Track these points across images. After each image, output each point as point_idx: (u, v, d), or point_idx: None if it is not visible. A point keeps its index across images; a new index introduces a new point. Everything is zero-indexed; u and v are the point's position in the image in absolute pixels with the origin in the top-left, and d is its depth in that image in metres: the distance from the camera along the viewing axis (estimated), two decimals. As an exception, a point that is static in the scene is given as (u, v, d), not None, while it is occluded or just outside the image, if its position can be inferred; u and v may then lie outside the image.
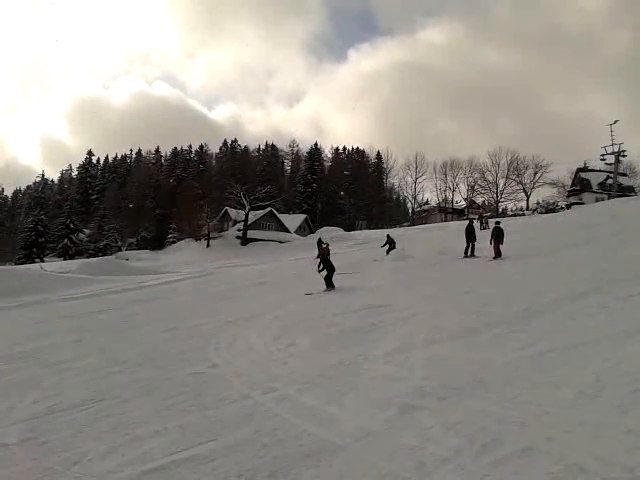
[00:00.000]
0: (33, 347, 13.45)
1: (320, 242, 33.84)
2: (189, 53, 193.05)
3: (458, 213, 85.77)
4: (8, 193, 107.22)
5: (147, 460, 4.79)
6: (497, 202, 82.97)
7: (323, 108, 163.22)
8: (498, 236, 18.57)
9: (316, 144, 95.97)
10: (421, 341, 8.39)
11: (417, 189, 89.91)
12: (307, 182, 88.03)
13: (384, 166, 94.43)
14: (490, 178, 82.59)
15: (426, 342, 8.30)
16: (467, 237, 20.09)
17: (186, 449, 4.92)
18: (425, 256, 23.81)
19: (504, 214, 74.74)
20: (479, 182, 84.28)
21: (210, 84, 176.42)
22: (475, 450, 4.32)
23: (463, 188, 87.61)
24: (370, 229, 70.24)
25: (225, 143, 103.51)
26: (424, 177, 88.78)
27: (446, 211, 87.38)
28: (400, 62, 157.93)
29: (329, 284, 17.01)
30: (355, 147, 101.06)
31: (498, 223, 19.82)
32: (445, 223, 62.26)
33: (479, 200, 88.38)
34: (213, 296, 20.63)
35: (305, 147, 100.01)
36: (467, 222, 20.16)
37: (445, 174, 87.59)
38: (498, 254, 18.18)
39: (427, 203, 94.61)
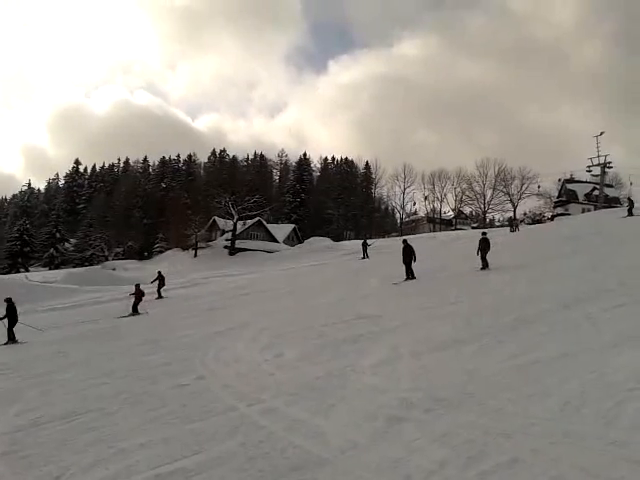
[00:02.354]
0: (17, 358, 13.34)
1: (365, 243, 35.12)
2: (170, 63, 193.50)
3: (446, 223, 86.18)
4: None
5: (131, 473, 4.74)
6: (484, 212, 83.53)
7: (304, 119, 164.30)
8: (485, 247, 18.65)
9: (305, 154, 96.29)
10: (409, 352, 8.40)
11: (405, 199, 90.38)
12: (296, 192, 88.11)
13: (373, 176, 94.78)
14: (478, 189, 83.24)
15: (414, 353, 8.31)
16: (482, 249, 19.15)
17: (171, 462, 4.88)
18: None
19: (492, 225, 75.32)
20: (467, 193, 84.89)
21: (192, 94, 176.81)
22: (461, 462, 4.32)
23: (451, 198, 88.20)
24: (358, 239, 70.40)
25: (214, 153, 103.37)
26: (412, 187, 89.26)
27: (434, 221, 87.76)
28: (378, 74, 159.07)
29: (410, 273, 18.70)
30: (344, 157, 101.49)
31: (484, 234, 19.90)
32: (434, 233, 62.42)
33: (467, 210, 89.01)
34: (200, 306, 20.57)
35: (294, 157, 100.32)
36: (482, 235, 19.64)
37: (433, 184, 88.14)
38: (485, 265, 18.26)
39: (415, 213, 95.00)
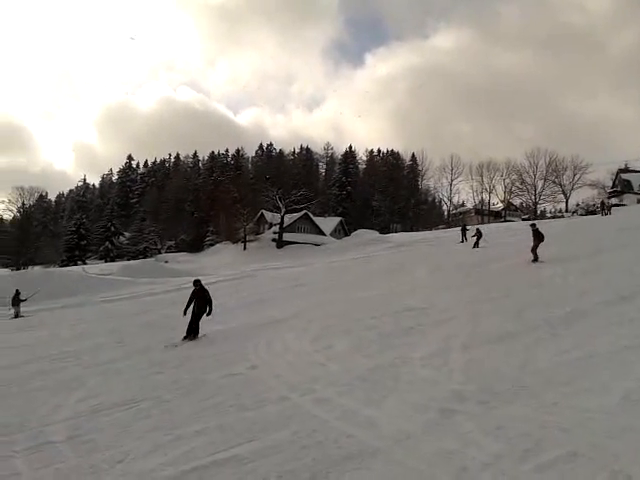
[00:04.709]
0: (77, 348, 13.80)
1: (465, 228, 34.94)
2: (211, 60, 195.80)
3: (495, 215, 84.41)
4: (52, 197, 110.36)
5: (188, 460, 4.86)
6: (535, 204, 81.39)
7: (342, 112, 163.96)
8: (536, 238, 18.19)
9: (350, 147, 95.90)
10: (459, 345, 8.29)
11: (453, 191, 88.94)
12: (342, 185, 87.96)
13: (419, 168, 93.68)
14: (528, 180, 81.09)
15: (465, 346, 8.19)
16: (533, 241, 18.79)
17: (226, 449, 4.97)
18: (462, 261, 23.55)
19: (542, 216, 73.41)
20: (517, 184, 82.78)
21: (232, 90, 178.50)
22: (517, 455, 4.25)
23: (500, 190, 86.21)
24: (405, 232, 69.73)
25: (260, 147, 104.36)
26: (460, 179, 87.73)
27: (483, 213, 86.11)
28: (414, 66, 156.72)
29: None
30: (389, 149, 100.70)
31: (534, 225, 19.38)
32: (482, 225, 61.38)
33: (517, 202, 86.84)
34: (250, 298, 20.80)
35: (339, 150, 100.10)
36: (532, 227, 19.10)
37: (481, 175, 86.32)
38: (536, 257, 17.81)
39: (463, 205, 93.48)
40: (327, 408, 5.93)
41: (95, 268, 46.24)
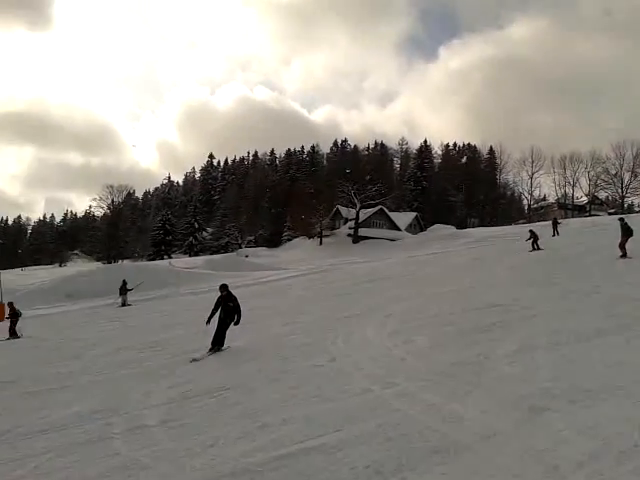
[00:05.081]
0: (164, 337, 14.39)
1: (556, 221, 34.24)
2: (285, 59, 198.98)
3: (579, 209, 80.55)
4: (139, 195, 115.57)
5: (277, 447, 4.95)
6: (622, 197, 76.96)
7: (415, 106, 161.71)
8: (625, 233, 17.25)
9: (425, 141, 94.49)
10: (545, 342, 7.99)
11: (533, 185, 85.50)
12: (417, 180, 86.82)
13: (497, 162, 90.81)
14: (614, 172, 76.67)
15: (551, 343, 7.88)
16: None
17: (313, 438, 5.03)
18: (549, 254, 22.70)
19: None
20: (602, 176, 78.39)
21: (306, 87, 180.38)
22: (613, 456, 4.05)
23: (584, 183, 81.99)
24: (483, 227, 67.89)
25: (335, 143, 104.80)
26: (541, 172, 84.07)
27: (566, 207, 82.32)
28: (488, 57, 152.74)
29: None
30: (466, 143, 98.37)
31: (622, 220, 18.36)
32: (566, 220, 58.77)
33: (602, 196, 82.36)
34: (328, 292, 20.92)
35: (414, 145, 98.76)
36: (620, 222, 18.13)
37: (564, 168, 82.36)
38: (624, 253, 16.88)
39: (544, 199, 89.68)
40: (410, 402, 5.88)
41: (180, 262, 48.06)
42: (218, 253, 68.41)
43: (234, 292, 11.67)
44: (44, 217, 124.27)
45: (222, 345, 11.10)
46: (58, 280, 38.94)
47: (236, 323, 11.05)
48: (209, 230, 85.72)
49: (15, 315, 19.25)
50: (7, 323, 19.55)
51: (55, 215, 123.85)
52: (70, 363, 12.03)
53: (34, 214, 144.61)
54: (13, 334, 18.56)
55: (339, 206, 69.54)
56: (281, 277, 31.67)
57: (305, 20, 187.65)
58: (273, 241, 77.21)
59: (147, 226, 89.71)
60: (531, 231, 26.45)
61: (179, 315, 19.38)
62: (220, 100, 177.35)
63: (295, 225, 72.38)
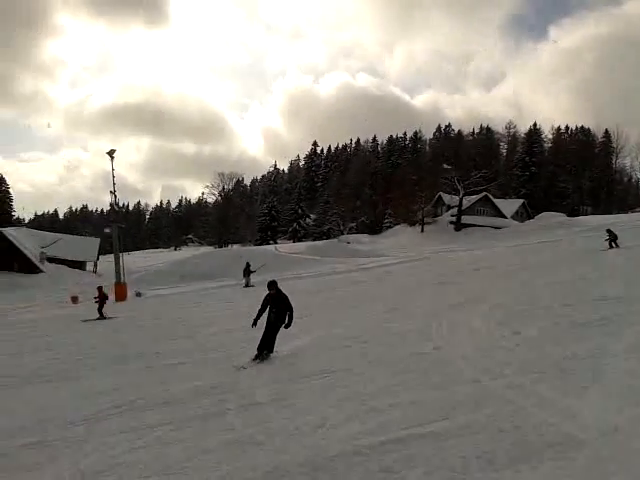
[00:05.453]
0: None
1: None
2: (387, 45, 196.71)
3: None
4: (247, 182, 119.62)
5: (385, 431, 4.99)
6: None
7: (522, 89, 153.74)
8: None
9: (535, 124, 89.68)
10: (670, 338, 7.42)
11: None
12: (525, 165, 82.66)
13: (613, 145, 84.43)
14: None
15: (676, 339, 7.31)
16: None
17: (421, 424, 5.01)
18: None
19: None
20: None
21: (408, 72, 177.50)
22: None
23: None
24: (597, 215, 63.60)
25: (438, 128, 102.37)
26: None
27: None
28: (603, 36, 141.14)
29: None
30: (579, 126, 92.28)
31: None
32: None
33: None
34: (430, 280, 20.64)
35: (522, 129, 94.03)
36: None
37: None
38: None
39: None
40: (522, 394, 5.68)
41: (285, 247, 49.31)
42: (320, 239, 69.40)
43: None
44: (161, 203, 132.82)
45: (271, 350, 9.69)
46: (173, 263, 41.36)
47: (287, 326, 9.72)
48: (312, 216, 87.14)
49: (104, 298, 20.89)
50: (125, 303, 21.17)
51: (171, 201, 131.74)
52: (185, 341, 12.76)
53: (152, 200, 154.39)
54: (101, 315, 20.17)
55: (441, 193, 67.98)
56: (382, 264, 31.60)
57: (407, 5, 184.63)
58: (374, 228, 77.03)
59: (254, 212, 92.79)
60: (609, 230, 24.44)
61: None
62: (323, 88, 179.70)
63: (396, 212, 71.69)
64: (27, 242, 49.50)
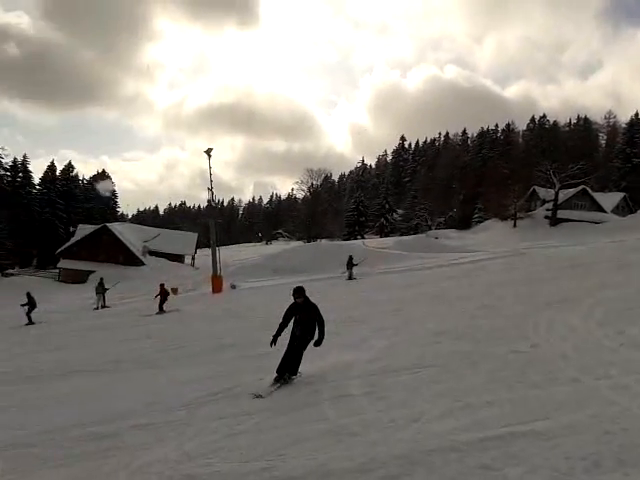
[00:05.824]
0: (361, 313, 14.95)
1: None
2: (476, 36, 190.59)
3: None
4: (335, 178, 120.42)
5: (482, 428, 4.89)
6: None
7: (622, 77, 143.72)
8: None
9: (637, 114, 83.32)
10: None
11: None
12: (626, 157, 77.13)
13: None
14: None
15: None
16: None
17: (521, 423, 4.86)
18: None
19: None
20: None
21: (498, 63, 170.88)
22: None
23: None
24: None
25: (532, 119, 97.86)
26: None
27: None
28: None
29: None
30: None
31: None
32: None
33: None
34: (524, 276, 19.88)
35: (622, 119, 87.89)
36: None
37: None
38: None
39: None
40: (627, 395, 5.36)
41: (373, 242, 49.24)
42: (408, 234, 68.60)
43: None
44: (253, 199, 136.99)
45: (295, 373, 8.02)
46: (266, 257, 42.48)
47: (317, 342, 7.95)
48: (399, 211, 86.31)
49: (165, 294, 22.46)
50: (221, 294, 22.19)
51: (262, 197, 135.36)
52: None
53: (244, 196, 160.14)
54: (161, 310, 21.76)
55: (536, 187, 65.07)
56: (473, 259, 30.81)
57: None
58: (463, 223, 74.98)
59: (342, 208, 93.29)
60: None
61: (374, 293, 19.95)
62: (410, 82, 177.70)
63: (487, 206, 69.46)
64: (131, 236, 52.72)
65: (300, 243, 70.50)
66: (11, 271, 54.39)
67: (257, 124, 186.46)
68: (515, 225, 60.95)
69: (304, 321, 7.99)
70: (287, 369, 7.93)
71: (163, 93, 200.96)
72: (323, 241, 69.86)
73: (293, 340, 8.03)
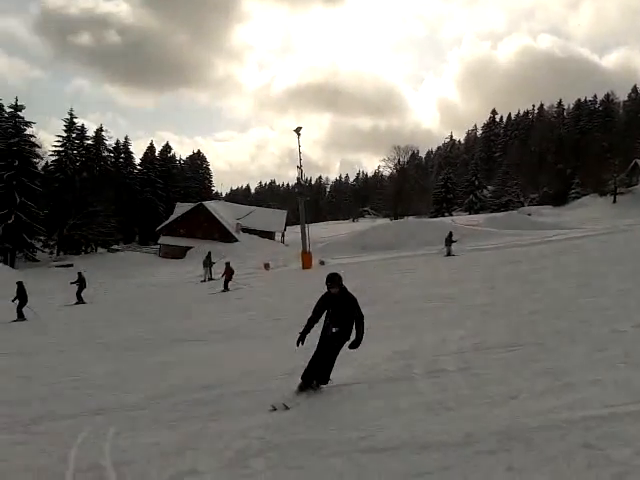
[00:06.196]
0: (453, 291, 14.69)
1: None
2: (571, 3, 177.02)
3: None
4: (422, 155, 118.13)
5: (584, 407, 4.70)
6: None
7: None
8: None
9: None
10: None
11: None
12: None
13: None
14: None
15: None
16: None
17: (625, 404, 4.63)
18: None
19: None
20: None
21: (596, 31, 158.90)
22: None
23: None
24: None
25: (634, 89, 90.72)
26: None
27: None
28: None
29: None
30: None
31: None
32: None
33: None
34: (627, 254, 18.67)
35: None
36: None
37: None
38: None
39: None
40: None
41: (461, 219, 48.04)
42: (498, 211, 66.25)
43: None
44: (340, 177, 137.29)
45: (325, 380, 6.58)
46: (354, 234, 42.64)
47: (354, 344, 6.49)
48: (489, 188, 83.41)
49: (231, 273, 23.24)
50: (311, 270, 22.71)
51: (349, 175, 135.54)
52: (369, 307, 13.10)
53: (331, 175, 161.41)
54: (226, 288, 22.61)
55: (637, 160, 60.73)
56: (569, 237, 29.32)
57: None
58: (558, 199, 71.28)
59: (429, 185, 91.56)
60: None
61: (466, 270, 19.53)
62: (502, 53, 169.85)
63: (585, 181, 65.64)
64: (225, 214, 54.53)
65: (386, 221, 70.06)
66: (116, 247, 58.11)
67: (344, 102, 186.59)
68: (615, 201, 57.36)
69: (339, 317, 6.47)
70: (315, 375, 6.50)
71: (252, 74, 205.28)
72: (410, 218, 69.02)
73: (324, 340, 6.55)
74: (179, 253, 49.54)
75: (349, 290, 6.62)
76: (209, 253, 30.78)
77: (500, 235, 33.17)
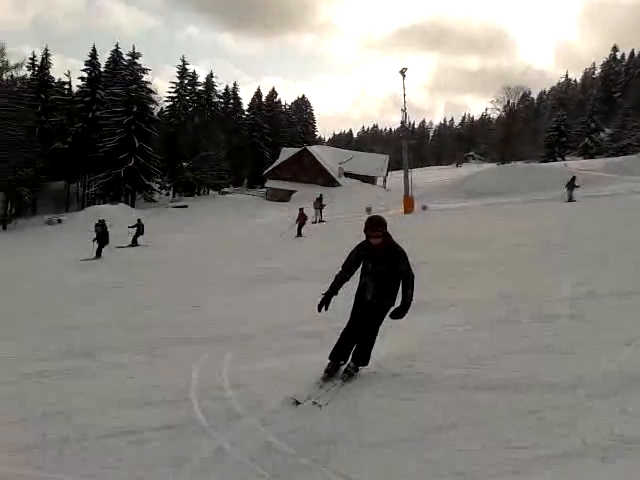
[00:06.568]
0: (564, 237, 13.97)
1: None
2: None
3: None
4: (534, 96, 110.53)
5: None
6: None
7: None
8: None
9: None
10: None
11: None
12: None
13: None
14: None
15: None
16: None
17: None
18: None
19: None
20: None
21: None
22: None
23: None
24: None
25: None
26: None
27: None
28: None
29: None
30: None
31: None
32: None
33: None
34: None
35: None
36: None
37: None
38: None
39: None
40: None
41: (575, 164, 44.99)
42: (616, 156, 61.13)
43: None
44: (444, 121, 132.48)
45: (364, 362, 4.95)
46: (458, 179, 41.40)
47: (398, 313, 4.72)
48: (607, 131, 76.82)
49: (304, 219, 23.14)
50: (412, 215, 22.41)
51: (454, 119, 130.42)
52: (475, 252, 12.84)
53: (435, 118, 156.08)
54: (299, 234, 22.50)
55: None
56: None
57: None
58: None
59: (540, 128, 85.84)
60: None
61: (582, 217, 18.46)
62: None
63: None
64: (328, 159, 54.81)
65: (493, 165, 67.06)
66: (226, 189, 60.60)
67: (450, 41, 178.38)
68: None
69: (381, 275, 4.74)
70: (349, 354, 4.95)
71: (356, 15, 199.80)
72: (518, 163, 65.61)
73: (360, 307, 4.89)
74: (285, 196, 50.81)
75: (402, 243, 4.92)
76: (320, 195, 31.25)
77: (620, 181, 30.80)
